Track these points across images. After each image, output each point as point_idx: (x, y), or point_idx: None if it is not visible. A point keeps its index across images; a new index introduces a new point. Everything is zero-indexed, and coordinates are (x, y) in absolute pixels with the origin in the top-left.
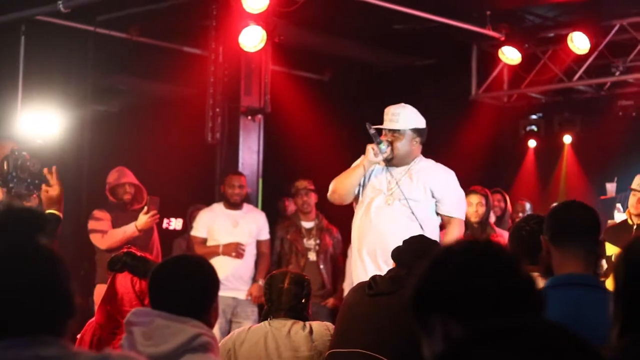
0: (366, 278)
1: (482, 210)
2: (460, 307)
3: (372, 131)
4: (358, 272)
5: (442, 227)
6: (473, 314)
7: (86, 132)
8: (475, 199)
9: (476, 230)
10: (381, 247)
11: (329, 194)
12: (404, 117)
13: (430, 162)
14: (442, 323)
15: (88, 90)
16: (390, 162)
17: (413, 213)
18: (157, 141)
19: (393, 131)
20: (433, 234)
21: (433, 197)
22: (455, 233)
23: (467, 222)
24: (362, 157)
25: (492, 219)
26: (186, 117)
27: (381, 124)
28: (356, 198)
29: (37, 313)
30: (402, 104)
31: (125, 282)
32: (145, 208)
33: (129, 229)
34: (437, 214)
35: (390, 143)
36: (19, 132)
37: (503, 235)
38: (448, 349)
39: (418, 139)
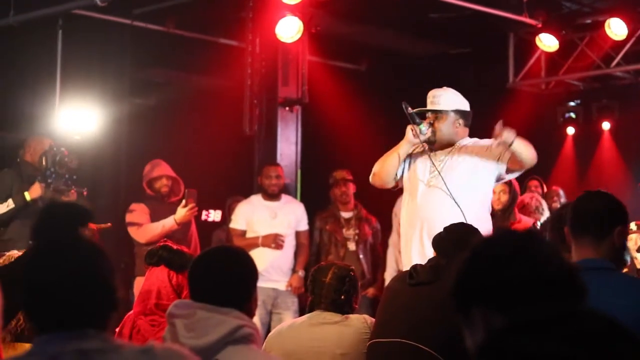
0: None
1: (505, 198)
2: (499, 299)
3: (409, 111)
4: (406, 259)
5: (493, 214)
6: (512, 305)
7: (124, 126)
8: (498, 187)
9: (499, 218)
10: (429, 233)
11: (370, 177)
12: (445, 99)
13: (473, 139)
14: (483, 314)
15: (126, 84)
16: (433, 145)
17: (454, 198)
18: (195, 133)
19: (435, 112)
20: (477, 218)
21: (492, 162)
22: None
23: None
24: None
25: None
26: (224, 109)
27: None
28: (402, 185)
29: (80, 307)
30: (445, 87)
31: (162, 275)
32: (184, 201)
33: (168, 223)
34: (502, 165)
35: (432, 125)
36: (57, 128)
37: (522, 221)
38: (489, 340)
39: (462, 121)
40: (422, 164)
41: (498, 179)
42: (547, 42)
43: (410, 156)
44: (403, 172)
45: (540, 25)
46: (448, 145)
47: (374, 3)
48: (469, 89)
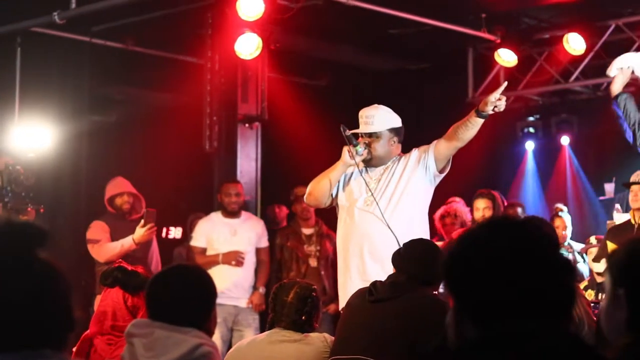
0: (350, 285)
1: (489, 213)
2: (473, 313)
3: (347, 133)
4: (344, 278)
5: (433, 233)
6: (485, 319)
7: (84, 143)
8: (482, 203)
9: None
10: (370, 251)
11: (305, 196)
12: (379, 119)
13: (406, 154)
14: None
15: (85, 101)
16: (369, 163)
17: (386, 221)
18: (155, 150)
19: (369, 134)
20: (412, 236)
21: (421, 164)
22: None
23: None
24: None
25: None
26: (183, 126)
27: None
28: (337, 203)
29: (37, 327)
30: (375, 105)
31: (117, 297)
32: (142, 221)
33: (127, 242)
34: (436, 155)
35: (368, 145)
36: (14, 145)
37: None
38: (456, 351)
39: (396, 139)
40: (357, 185)
41: (434, 181)
42: (506, 57)
43: (345, 175)
44: (338, 191)
45: (499, 41)
46: (382, 163)
47: (333, 19)
48: (428, 104)
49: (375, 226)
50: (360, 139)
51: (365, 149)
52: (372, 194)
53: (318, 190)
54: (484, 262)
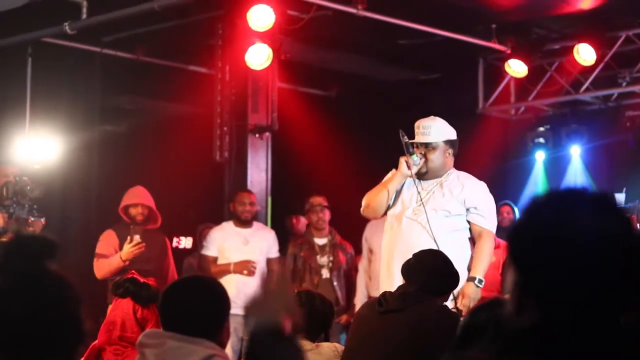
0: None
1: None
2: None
3: (405, 140)
4: (387, 285)
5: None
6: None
7: (94, 153)
8: (506, 208)
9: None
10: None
11: (362, 208)
12: (435, 130)
13: (462, 174)
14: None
15: (96, 111)
16: (423, 175)
17: (432, 233)
18: (165, 160)
19: (426, 144)
20: (453, 250)
21: (465, 207)
22: (487, 247)
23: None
24: (393, 170)
25: None
26: (194, 136)
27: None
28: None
29: (46, 340)
30: (432, 117)
31: (127, 308)
32: (129, 238)
33: (114, 261)
34: (469, 222)
35: (424, 156)
36: (23, 156)
37: (500, 246)
38: (518, 332)
39: (451, 151)
40: (409, 193)
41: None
42: (517, 68)
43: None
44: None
45: (509, 51)
46: (437, 175)
47: (344, 30)
48: (438, 115)
49: (421, 236)
50: (416, 149)
51: (421, 158)
52: (422, 204)
53: (376, 201)
54: (557, 239)
